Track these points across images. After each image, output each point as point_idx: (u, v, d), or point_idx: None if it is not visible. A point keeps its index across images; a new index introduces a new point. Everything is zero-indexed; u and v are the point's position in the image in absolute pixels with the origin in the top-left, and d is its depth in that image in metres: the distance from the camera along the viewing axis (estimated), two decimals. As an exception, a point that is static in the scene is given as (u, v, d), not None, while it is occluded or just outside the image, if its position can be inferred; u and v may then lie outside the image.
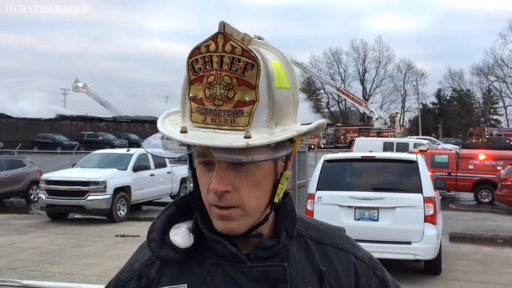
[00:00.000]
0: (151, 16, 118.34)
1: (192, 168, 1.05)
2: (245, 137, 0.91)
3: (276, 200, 1.02)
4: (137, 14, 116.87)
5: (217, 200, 0.97)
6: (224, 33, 0.91)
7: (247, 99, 0.92)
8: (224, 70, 0.92)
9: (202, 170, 0.99)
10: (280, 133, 0.96)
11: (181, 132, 0.95)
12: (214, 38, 0.92)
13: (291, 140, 0.99)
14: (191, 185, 1.09)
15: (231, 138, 0.91)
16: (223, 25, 0.92)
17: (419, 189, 7.21)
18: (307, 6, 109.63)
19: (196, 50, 0.94)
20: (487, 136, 45.40)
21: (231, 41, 0.91)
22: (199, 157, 0.99)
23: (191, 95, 0.96)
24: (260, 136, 0.93)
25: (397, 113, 57.13)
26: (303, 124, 1.05)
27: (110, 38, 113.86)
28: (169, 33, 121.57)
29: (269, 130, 0.95)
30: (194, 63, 0.94)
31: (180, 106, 1.01)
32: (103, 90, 78.91)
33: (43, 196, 13.04)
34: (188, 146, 0.98)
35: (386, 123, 52.39)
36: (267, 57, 0.95)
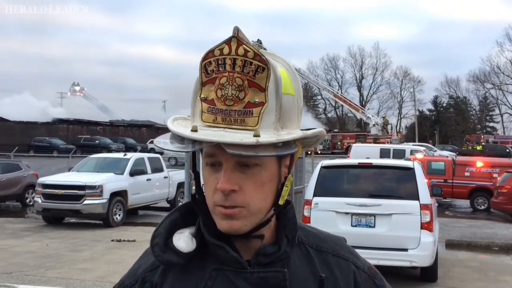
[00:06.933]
0: (140, 22, 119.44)
1: (194, 172, 1.07)
2: (255, 135, 0.94)
3: (281, 202, 1.04)
4: (126, 21, 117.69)
5: (223, 200, 0.99)
6: (237, 37, 0.95)
7: (256, 100, 0.96)
8: (236, 72, 0.95)
9: (209, 171, 1.02)
10: (287, 135, 0.99)
11: (192, 130, 0.97)
12: (228, 42, 0.96)
13: (295, 143, 1.02)
14: (193, 187, 1.11)
15: (241, 136, 0.94)
16: (237, 29, 0.95)
17: (415, 196, 7.22)
18: (293, 14, 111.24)
19: (210, 53, 0.97)
20: (483, 143, 45.55)
21: (244, 45, 0.95)
22: (207, 158, 1.01)
23: (202, 96, 0.99)
24: (268, 136, 0.96)
25: (383, 117, 57.11)
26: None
27: (102, 43, 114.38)
28: (158, 40, 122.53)
29: (276, 132, 0.98)
30: (207, 65, 0.98)
31: (190, 108, 1.03)
32: (100, 94, 78.95)
33: (39, 200, 13.00)
34: (194, 144, 0.99)
35: (383, 129, 52.50)
36: (275, 64, 0.99)
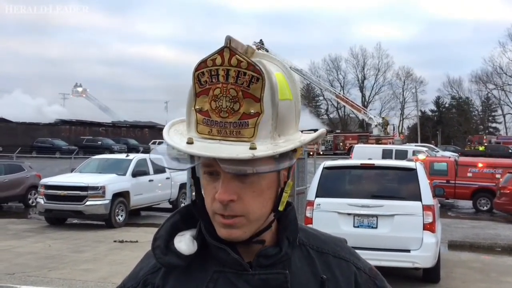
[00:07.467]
0: (140, 22, 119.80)
1: (194, 178, 1.07)
2: (251, 148, 0.93)
3: (280, 208, 1.04)
4: (126, 21, 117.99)
5: (222, 209, 0.98)
6: (230, 47, 0.93)
7: (252, 111, 0.94)
8: (230, 83, 0.94)
9: (207, 180, 1.01)
10: (284, 144, 0.98)
11: (188, 143, 0.96)
12: (220, 52, 0.94)
13: (293, 150, 1.01)
14: (193, 193, 1.10)
15: (237, 150, 0.93)
16: (229, 39, 0.93)
17: (418, 197, 7.21)
18: (293, 14, 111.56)
19: (202, 64, 0.95)
20: (485, 144, 45.45)
21: (237, 55, 0.93)
22: (204, 167, 1.00)
23: (197, 107, 0.97)
24: (265, 147, 0.95)
25: (383, 118, 57.01)
26: (303, 131, 1.07)
27: (102, 43, 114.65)
28: (158, 40, 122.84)
29: (273, 141, 0.97)
30: (200, 76, 0.96)
31: (185, 117, 1.02)
32: (100, 94, 79.00)
33: (41, 200, 13.01)
34: (192, 157, 0.99)
35: (383, 130, 52.47)
36: (271, 69, 0.97)
